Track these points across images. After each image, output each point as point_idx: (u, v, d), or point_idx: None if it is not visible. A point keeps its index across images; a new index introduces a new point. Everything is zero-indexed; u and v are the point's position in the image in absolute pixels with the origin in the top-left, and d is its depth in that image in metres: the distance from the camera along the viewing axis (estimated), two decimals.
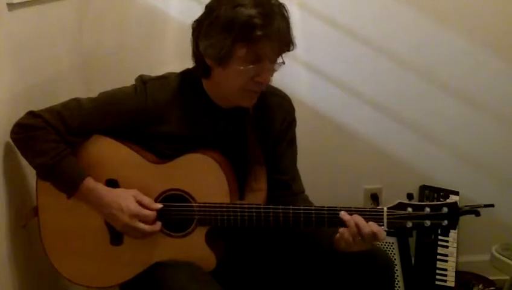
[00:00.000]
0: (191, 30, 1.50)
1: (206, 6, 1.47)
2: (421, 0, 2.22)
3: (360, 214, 1.41)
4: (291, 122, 1.66)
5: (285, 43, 1.45)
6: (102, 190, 1.49)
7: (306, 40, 2.15)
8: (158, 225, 1.49)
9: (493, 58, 2.28)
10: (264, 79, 1.46)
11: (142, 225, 1.47)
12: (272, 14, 1.41)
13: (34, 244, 1.58)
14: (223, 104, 1.55)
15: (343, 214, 1.41)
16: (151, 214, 1.48)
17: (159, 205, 1.49)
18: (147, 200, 1.49)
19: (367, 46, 2.23)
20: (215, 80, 1.51)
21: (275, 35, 1.40)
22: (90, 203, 1.49)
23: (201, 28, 1.46)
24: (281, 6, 1.45)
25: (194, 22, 1.49)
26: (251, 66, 1.43)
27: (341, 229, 1.42)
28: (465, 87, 2.30)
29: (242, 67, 1.43)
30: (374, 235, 1.39)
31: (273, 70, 1.48)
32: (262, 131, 1.60)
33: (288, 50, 1.47)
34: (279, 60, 1.47)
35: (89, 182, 1.48)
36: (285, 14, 1.45)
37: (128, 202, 1.47)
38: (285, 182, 1.63)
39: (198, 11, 1.49)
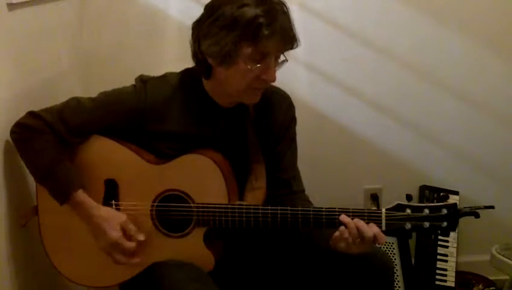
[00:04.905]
0: (191, 31, 1.50)
1: (206, 6, 1.47)
2: (421, 0, 2.22)
3: (358, 216, 1.40)
4: (292, 120, 1.66)
5: (289, 39, 1.45)
6: (91, 208, 1.48)
7: (306, 40, 2.14)
8: (135, 260, 1.49)
9: (493, 58, 2.28)
10: (271, 76, 1.45)
11: (118, 256, 1.48)
12: (274, 12, 1.41)
13: (34, 244, 1.59)
14: (224, 102, 1.55)
15: (343, 217, 1.40)
16: (131, 246, 1.48)
17: (142, 237, 1.49)
18: (133, 230, 1.49)
19: (367, 46, 2.23)
20: (218, 79, 1.50)
21: (279, 32, 1.40)
22: (79, 214, 1.50)
23: (202, 28, 1.45)
24: (282, 4, 1.45)
25: (194, 22, 1.49)
26: (257, 66, 1.43)
27: (341, 228, 1.40)
28: (465, 87, 2.30)
29: (249, 67, 1.42)
30: (375, 238, 1.39)
31: (277, 67, 1.48)
32: (263, 129, 1.60)
33: (292, 47, 1.47)
34: (282, 57, 1.47)
35: (79, 196, 1.47)
36: (286, 10, 1.45)
37: (113, 231, 1.47)
38: (285, 180, 1.63)
39: (198, 11, 1.49)
